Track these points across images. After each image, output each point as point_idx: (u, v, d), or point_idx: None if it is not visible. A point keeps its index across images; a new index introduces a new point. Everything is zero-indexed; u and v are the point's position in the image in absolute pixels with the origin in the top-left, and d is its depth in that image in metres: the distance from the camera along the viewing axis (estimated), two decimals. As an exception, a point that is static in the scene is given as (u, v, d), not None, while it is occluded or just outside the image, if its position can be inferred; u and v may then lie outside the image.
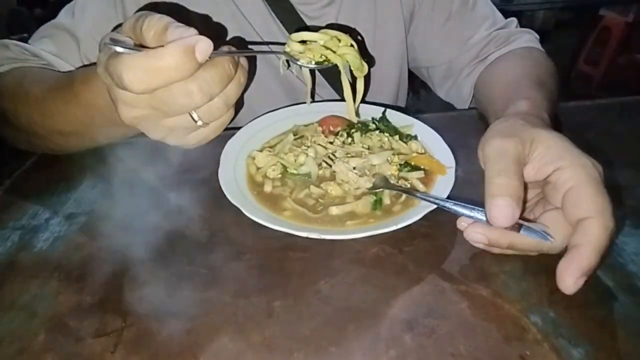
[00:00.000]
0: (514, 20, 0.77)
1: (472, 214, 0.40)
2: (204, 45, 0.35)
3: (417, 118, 0.61)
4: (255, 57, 0.72)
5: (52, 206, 0.51)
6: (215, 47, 0.36)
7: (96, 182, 0.55)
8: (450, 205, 0.41)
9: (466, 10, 0.76)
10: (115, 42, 0.36)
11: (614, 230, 0.35)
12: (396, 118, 0.62)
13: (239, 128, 0.59)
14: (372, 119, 0.62)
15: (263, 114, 0.63)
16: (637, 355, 0.33)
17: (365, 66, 0.56)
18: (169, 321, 0.36)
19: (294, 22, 0.71)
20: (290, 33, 0.70)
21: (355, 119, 0.59)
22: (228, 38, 0.70)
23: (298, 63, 0.52)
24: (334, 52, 0.53)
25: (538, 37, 0.75)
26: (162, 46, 0.35)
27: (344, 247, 0.43)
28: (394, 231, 0.42)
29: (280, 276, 0.41)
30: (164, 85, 0.36)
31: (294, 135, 0.59)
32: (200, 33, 0.36)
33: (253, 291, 0.39)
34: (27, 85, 0.57)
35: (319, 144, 0.56)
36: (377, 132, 0.59)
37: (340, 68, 0.53)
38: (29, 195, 0.53)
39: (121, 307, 0.38)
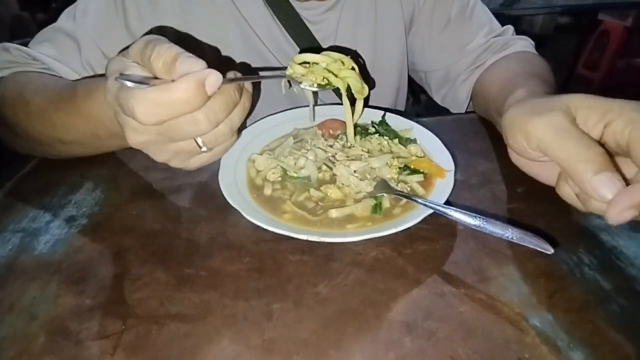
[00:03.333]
0: (510, 28, 0.79)
1: (473, 221, 0.40)
2: (214, 78, 0.36)
3: (416, 122, 0.62)
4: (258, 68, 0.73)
5: (52, 209, 0.51)
6: (222, 72, 0.37)
7: (96, 185, 0.55)
8: (451, 212, 0.42)
9: (464, 17, 0.77)
10: (125, 76, 0.36)
11: None
12: (395, 122, 0.62)
13: (239, 131, 0.59)
14: (372, 122, 0.62)
15: (263, 117, 0.64)
16: (636, 359, 0.33)
17: (366, 88, 0.57)
18: (168, 324, 0.36)
19: (296, 27, 0.71)
20: (292, 38, 0.71)
21: (353, 142, 0.58)
22: (231, 45, 0.70)
23: (301, 86, 0.53)
24: (336, 75, 0.53)
25: (533, 43, 0.77)
26: (173, 80, 0.36)
27: (344, 250, 0.44)
28: (393, 234, 0.42)
29: (280, 279, 0.41)
30: (174, 118, 0.37)
31: (294, 138, 0.59)
32: (207, 60, 0.37)
33: (252, 294, 0.39)
34: (28, 94, 0.56)
35: (319, 147, 0.56)
36: (376, 135, 0.59)
37: (342, 91, 0.54)
38: (30, 198, 0.53)
39: (121, 309, 0.38)
